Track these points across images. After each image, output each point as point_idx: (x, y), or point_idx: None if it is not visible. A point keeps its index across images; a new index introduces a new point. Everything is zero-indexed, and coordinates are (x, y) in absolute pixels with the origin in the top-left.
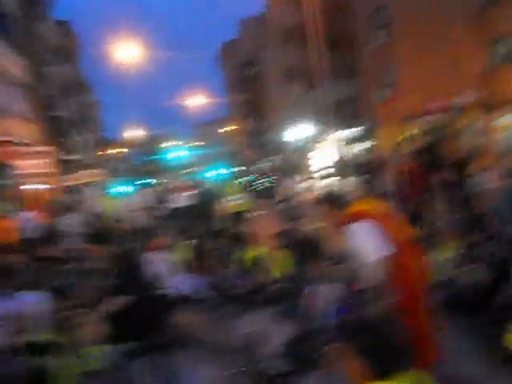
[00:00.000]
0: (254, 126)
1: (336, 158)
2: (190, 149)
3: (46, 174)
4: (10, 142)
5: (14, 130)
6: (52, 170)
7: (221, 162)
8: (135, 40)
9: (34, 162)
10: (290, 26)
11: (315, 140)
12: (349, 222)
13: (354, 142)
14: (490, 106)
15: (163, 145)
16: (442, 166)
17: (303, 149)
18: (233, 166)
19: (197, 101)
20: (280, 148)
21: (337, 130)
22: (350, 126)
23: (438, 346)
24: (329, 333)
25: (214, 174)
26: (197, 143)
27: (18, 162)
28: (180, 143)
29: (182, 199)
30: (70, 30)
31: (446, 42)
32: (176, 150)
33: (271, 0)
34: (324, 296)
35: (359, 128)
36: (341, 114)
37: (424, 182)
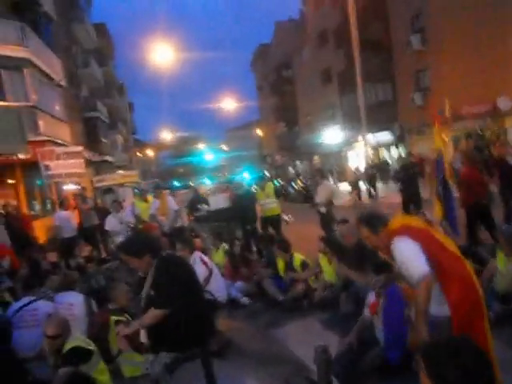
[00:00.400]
0: (286, 129)
1: (371, 162)
2: (222, 151)
3: (79, 175)
4: (45, 142)
5: (49, 130)
6: (85, 170)
7: (252, 166)
8: (170, 42)
9: (68, 162)
10: (326, 29)
11: (349, 143)
12: (391, 239)
13: (390, 146)
14: None
15: (196, 147)
16: (494, 169)
17: (338, 152)
18: (264, 170)
19: (229, 104)
20: (313, 151)
21: (372, 134)
22: (385, 130)
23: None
24: (390, 347)
25: (247, 176)
26: (228, 146)
27: (53, 162)
28: (212, 145)
29: (218, 201)
30: (107, 33)
31: (484, 44)
32: (208, 152)
33: (307, 3)
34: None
35: (395, 132)
36: (376, 117)
37: (483, 185)
